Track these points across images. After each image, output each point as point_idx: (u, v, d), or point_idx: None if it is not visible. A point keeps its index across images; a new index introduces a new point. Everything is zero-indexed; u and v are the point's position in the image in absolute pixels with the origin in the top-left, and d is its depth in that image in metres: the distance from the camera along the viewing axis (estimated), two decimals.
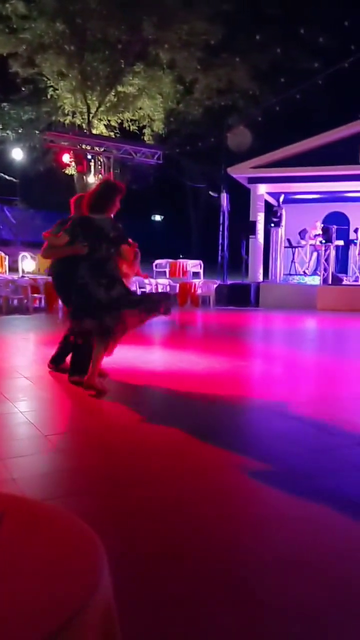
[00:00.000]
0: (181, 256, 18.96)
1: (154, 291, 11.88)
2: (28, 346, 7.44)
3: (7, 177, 22.74)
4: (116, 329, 4.17)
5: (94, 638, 0.71)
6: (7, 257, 15.95)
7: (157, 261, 16.66)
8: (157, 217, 34.88)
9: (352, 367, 6.12)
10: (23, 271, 14.61)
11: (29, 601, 0.70)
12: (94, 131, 18.35)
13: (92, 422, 3.79)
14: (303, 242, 15.38)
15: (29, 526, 0.89)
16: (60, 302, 4.68)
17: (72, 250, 4.25)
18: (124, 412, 4.02)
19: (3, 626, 0.63)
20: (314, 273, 14.95)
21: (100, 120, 19.59)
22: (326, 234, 13.71)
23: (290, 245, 15.52)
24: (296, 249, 15.59)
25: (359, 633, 1.65)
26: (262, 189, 15.20)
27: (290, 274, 15.56)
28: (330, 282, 13.74)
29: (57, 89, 18.70)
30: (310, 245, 15.14)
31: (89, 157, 14.26)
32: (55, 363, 5.06)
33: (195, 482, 2.72)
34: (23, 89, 19.40)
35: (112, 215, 4.39)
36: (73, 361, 4.64)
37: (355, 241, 15.34)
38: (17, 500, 1.03)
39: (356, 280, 15.16)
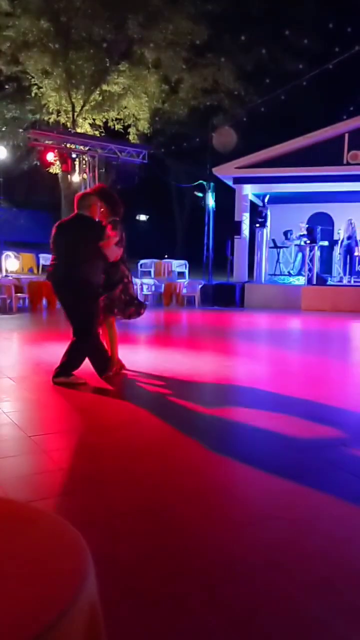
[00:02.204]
0: (166, 256, 18.94)
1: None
2: (12, 346, 7.38)
3: None
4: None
5: (79, 638, 0.70)
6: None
7: (142, 261, 16.63)
8: (142, 217, 34.81)
9: (336, 368, 6.17)
10: (6, 270, 14.49)
11: (14, 602, 0.69)
12: (78, 130, 18.23)
13: (76, 423, 3.78)
14: (288, 243, 15.47)
15: (13, 527, 0.88)
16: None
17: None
18: (109, 412, 4.01)
19: None
20: (299, 273, 15.04)
21: (85, 119, 19.47)
22: (311, 235, 13.80)
23: (275, 246, 15.59)
24: (281, 249, 15.67)
25: (342, 632, 1.66)
26: (247, 189, 15.26)
27: (275, 274, 15.64)
28: (314, 282, 13.83)
29: (41, 87, 18.55)
30: (295, 245, 15.23)
31: (74, 156, 14.16)
32: (101, 372, 4.87)
33: (179, 482, 2.72)
34: (6, 87, 19.21)
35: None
36: (63, 364, 4.62)
37: (339, 241, 15.47)
38: (1, 501, 1.02)
39: (340, 281, 15.30)
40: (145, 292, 13.77)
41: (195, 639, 1.60)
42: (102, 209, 4.87)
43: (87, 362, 4.77)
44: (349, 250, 14.16)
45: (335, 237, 15.66)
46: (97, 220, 4.75)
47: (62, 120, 19.27)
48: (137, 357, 5.03)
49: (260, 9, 19.50)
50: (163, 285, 13.99)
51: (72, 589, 0.72)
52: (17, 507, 1.01)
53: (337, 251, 15.27)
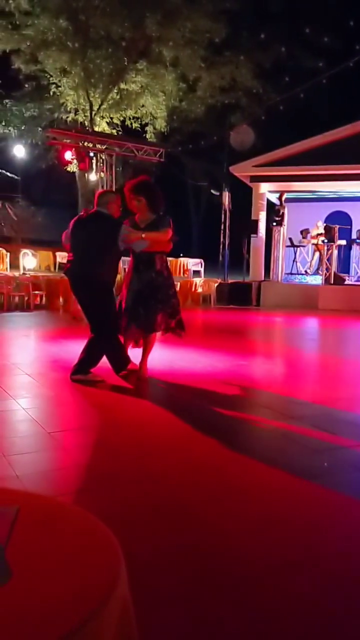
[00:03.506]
0: (181, 255, 18.92)
1: None
2: (29, 343, 7.44)
3: (8, 174, 22.71)
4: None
5: (112, 634, 0.71)
6: (8, 254, 15.96)
7: None
8: None
9: (353, 368, 6.12)
10: (24, 268, 14.62)
11: (50, 597, 0.70)
12: (96, 128, 18.30)
13: (94, 420, 3.80)
14: (305, 242, 15.36)
15: (45, 522, 0.89)
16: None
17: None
18: (126, 410, 4.03)
19: (23, 622, 0.64)
20: (316, 273, 14.93)
21: (103, 117, 19.54)
22: (328, 234, 13.69)
23: (292, 245, 15.49)
24: (298, 248, 15.56)
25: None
26: (264, 188, 15.19)
27: (291, 274, 15.54)
28: (332, 281, 13.72)
29: (59, 86, 18.66)
30: (312, 244, 15.12)
31: (91, 154, 14.22)
32: (117, 370, 4.82)
33: (197, 480, 2.72)
34: (26, 86, 19.37)
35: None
36: (81, 361, 4.64)
37: (358, 240, 15.32)
38: (31, 496, 1.03)
39: (358, 280, 15.15)
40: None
41: (211, 639, 1.60)
42: (141, 203, 4.69)
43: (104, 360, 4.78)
44: None
45: (354, 236, 15.52)
46: (115, 218, 4.67)
47: (80, 118, 19.36)
48: (153, 355, 5.04)
49: (278, 6, 19.39)
50: (179, 284, 13.97)
51: (106, 584, 0.73)
52: (47, 502, 1.02)
53: (356, 250, 15.13)
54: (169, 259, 16.80)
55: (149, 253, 4.61)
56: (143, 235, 4.50)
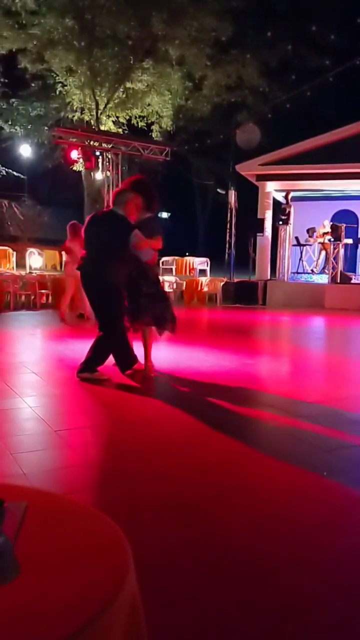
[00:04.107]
0: (187, 253, 18.89)
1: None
2: (36, 342, 7.46)
3: (15, 173, 22.75)
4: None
5: (121, 631, 0.71)
6: (14, 253, 15.99)
7: (164, 258, 16.63)
8: (164, 214, 34.85)
9: None
10: (30, 267, 14.65)
11: (56, 594, 0.69)
12: (102, 127, 18.29)
13: (100, 418, 3.80)
14: (311, 240, 15.31)
15: (53, 519, 0.88)
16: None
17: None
18: (132, 408, 4.03)
19: (31, 619, 0.63)
20: (322, 271, 14.87)
21: (109, 116, 19.54)
22: (335, 232, 13.63)
23: (298, 244, 15.44)
24: (304, 247, 15.51)
25: None
26: (271, 187, 15.14)
27: (298, 272, 15.49)
28: (338, 280, 13.67)
29: (65, 85, 18.66)
30: (319, 243, 15.07)
31: (97, 153, 14.22)
32: (124, 369, 4.86)
33: (204, 478, 2.71)
34: (32, 85, 19.39)
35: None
36: (88, 359, 4.64)
37: None
38: (39, 493, 1.02)
39: None
40: (166, 289, 13.75)
41: (219, 637, 1.60)
42: (137, 202, 4.60)
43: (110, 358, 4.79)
44: None
45: None
46: (129, 220, 4.49)
47: (86, 118, 19.37)
48: (160, 354, 5.04)
49: (285, 5, 19.31)
50: (184, 283, 13.97)
51: (114, 581, 0.73)
52: (55, 499, 1.02)
53: None
54: (176, 258, 16.68)
55: (144, 264, 4.63)
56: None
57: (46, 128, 19.46)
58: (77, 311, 9.01)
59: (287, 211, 14.62)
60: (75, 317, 8.66)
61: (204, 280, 14.21)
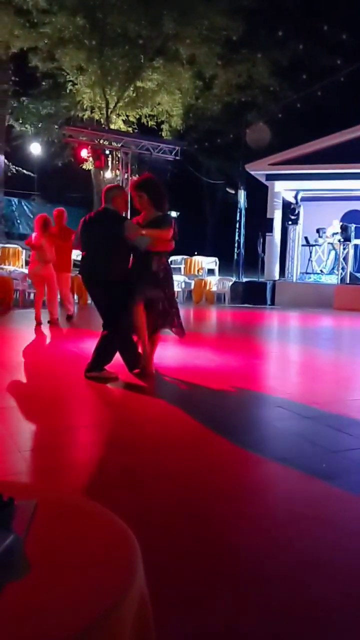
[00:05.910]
0: (196, 253, 18.88)
1: None
2: (44, 340, 7.48)
3: (25, 171, 22.85)
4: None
5: (129, 630, 0.71)
6: (24, 251, 16.04)
7: (172, 257, 16.61)
8: (173, 214, 34.84)
9: None
10: None
11: (66, 592, 0.70)
12: (112, 126, 18.32)
13: (108, 417, 3.81)
14: (320, 241, 15.25)
15: (63, 517, 0.89)
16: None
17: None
18: (139, 407, 4.03)
19: (41, 617, 0.64)
20: (331, 272, 14.81)
21: (119, 115, 19.56)
22: (345, 233, 13.57)
23: (308, 244, 15.39)
24: (313, 247, 15.45)
25: None
26: (280, 186, 15.09)
27: (307, 273, 15.43)
28: (348, 281, 13.60)
29: (76, 84, 18.71)
30: (328, 243, 15.00)
31: (107, 152, 14.25)
32: (131, 367, 4.85)
33: (211, 479, 2.71)
34: (42, 84, 19.46)
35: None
36: (95, 358, 4.65)
37: None
38: (48, 491, 1.03)
39: None
40: (175, 288, 13.74)
41: (225, 638, 1.60)
42: (142, 200, 4.67)
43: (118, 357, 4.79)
44: None
45: None
46: (120, 214, 4.70)
47: (96, 116, 19.40)
48: (167, 353, 5.04)
49: (296, 3, 19.22)
50: (193, 282, 13.96)
51: (124, 579, 0.73)
52: (64, 497, 1.02)
53: None
54: (183, 257, 16.68)
55: (146, 253, 4.59)
56: (143, 232, 4.49)
57: (56, 126, 19.51)
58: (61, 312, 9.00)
59: (296, 211, 14.57)
60: (53, 319, 8.48)
61: (212, 279, 14.20)
